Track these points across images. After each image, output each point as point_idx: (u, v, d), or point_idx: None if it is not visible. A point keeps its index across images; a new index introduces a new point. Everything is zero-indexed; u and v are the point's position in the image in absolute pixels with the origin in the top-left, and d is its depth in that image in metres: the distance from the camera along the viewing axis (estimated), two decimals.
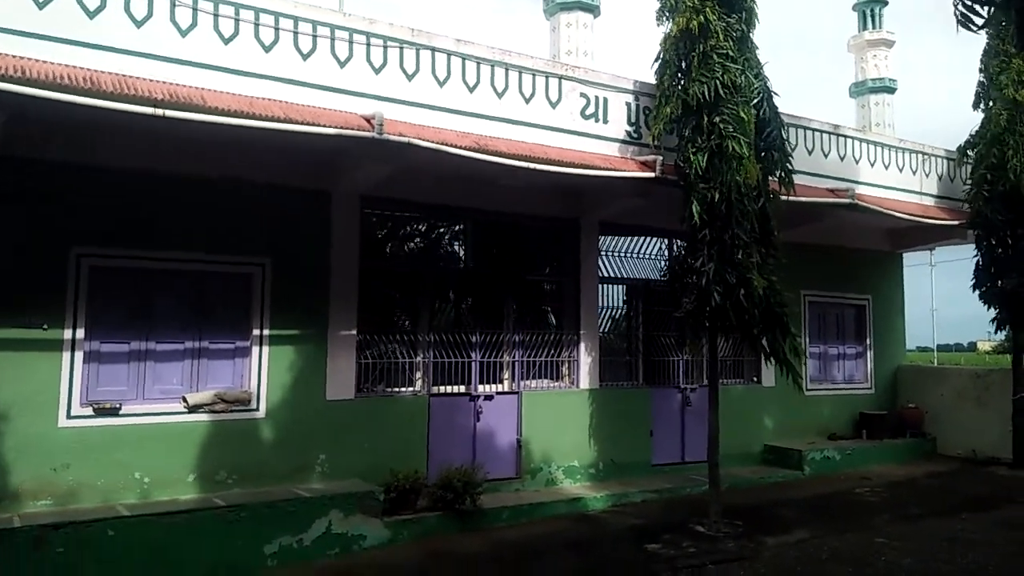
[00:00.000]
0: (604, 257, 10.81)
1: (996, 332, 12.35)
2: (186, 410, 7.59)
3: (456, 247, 10.02)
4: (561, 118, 8.93)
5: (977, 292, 12.34)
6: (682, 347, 10.92)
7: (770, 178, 8.73)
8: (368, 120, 7.03)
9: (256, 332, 7.96)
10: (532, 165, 7.94)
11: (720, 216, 8.07)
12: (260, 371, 7.96)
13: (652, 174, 8.85)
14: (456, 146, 7.49)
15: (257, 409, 7.92)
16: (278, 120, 6.54)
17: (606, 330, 10.87)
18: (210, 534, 6.80)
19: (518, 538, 8.04)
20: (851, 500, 10.03)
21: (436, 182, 8.90)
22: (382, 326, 9.02)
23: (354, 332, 8.52)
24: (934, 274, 17.16)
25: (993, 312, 12.21)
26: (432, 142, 7.30)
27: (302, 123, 6.64)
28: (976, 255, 12.34)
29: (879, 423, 13.06)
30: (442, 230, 10.03)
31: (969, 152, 12.40)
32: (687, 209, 8.24)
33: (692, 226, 8.24)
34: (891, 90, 14.76)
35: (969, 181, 12.31)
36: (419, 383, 9.12)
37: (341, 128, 6.83)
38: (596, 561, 7.29)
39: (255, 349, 7.96)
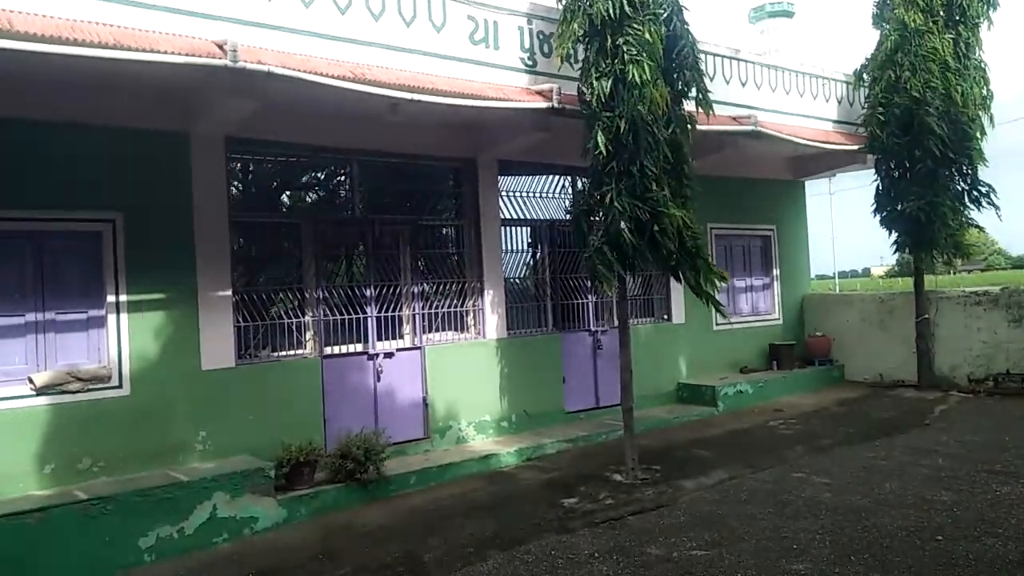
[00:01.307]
0: (506, 198, 10.14)
1: (895, 255, 12.42)
2: (34, 392, 6.56)
3: (344, 193, 9.11)
4: (447, 44, 8.10)
5: (877, 217, 12.34)
6: (591, 289, 10.46)
7: (684, 101, 8.17)
8: (220, 46, 6.05)
9: (111, 298, 6.96)
10: (414, 96, 7.13)
11: (628, 147, 7.49)
12: (120, 342, 6.98)
13: (550, 104, 8.19)
14: (326, 75, 6.60)
15: (120, 386, 6.96)
16: (108, 47, 5.49)
17: (511, 275, 10.28)
18: (71, 533, 5.92)
19: (425, 504, 7.46)
20: (766, 434, 9.90)
21: (315, 121, 8.00)
22: (263, 284, 8.14)
23: (229, 292, 7.61)
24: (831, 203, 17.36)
25: (894, 236, 12.24)
26: (297, 71, 6.40)
27: (138, 50, 5.61)
28: (875, 179, 12.31)
29: (788, 353, 13.07)
30: (327, 175, 9.11)
31: (865, 75, 12.27)
32: (591, 140, 7.63)
33: (597, 159, 7.63)
34: (789, 14, 14.47)
35: (866, 105, 12.20)
36: (310, 344, 8.31)
37: (187, 56, 5.84)
38: (508, 522, 6.79)
39: (112, 318, 6.96)
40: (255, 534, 6.78)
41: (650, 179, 7.39)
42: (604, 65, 7.60)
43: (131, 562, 6.14)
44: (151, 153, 7.22)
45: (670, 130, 7.78)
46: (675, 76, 8.06)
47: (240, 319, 7.76)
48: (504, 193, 10.09)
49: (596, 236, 7.74)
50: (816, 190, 16.53)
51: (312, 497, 7.21)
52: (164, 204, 7.29)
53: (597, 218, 7.80)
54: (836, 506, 6.72)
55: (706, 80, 8.30)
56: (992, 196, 11.88)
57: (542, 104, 8.24)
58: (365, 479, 7.47)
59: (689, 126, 8.17)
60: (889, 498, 6.87)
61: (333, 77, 6.67)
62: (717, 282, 7.89)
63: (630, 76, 7.35)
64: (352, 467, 7.43)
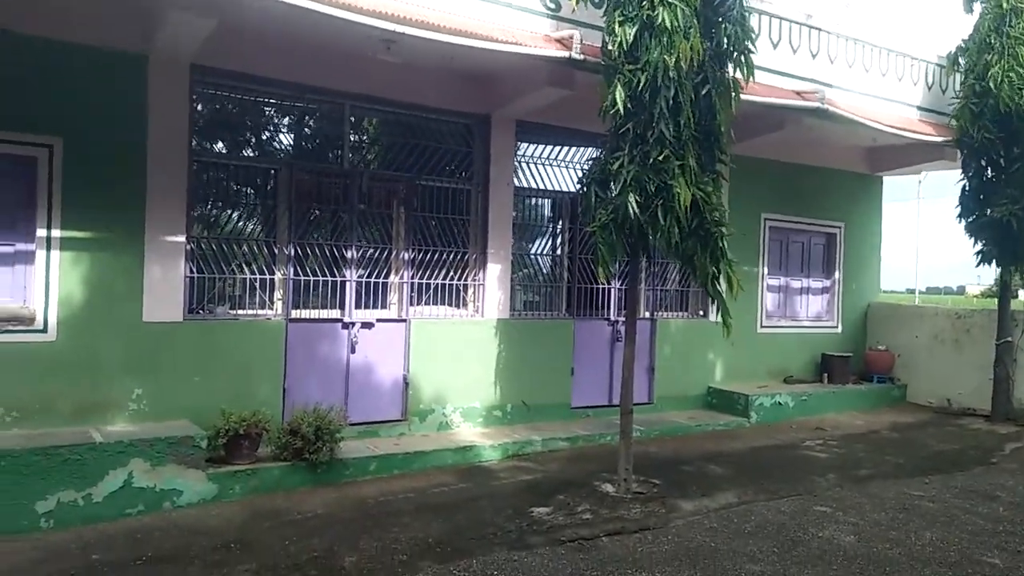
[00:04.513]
0: (523, 164, 9.08)
1: (978, 266, 10.78)
2: None
3: (331, 140, 8.15)
4: None
5: (963, 222, 10.75)
6: (616, 273, 9.32)
7: (729, 64, 6.94)
8: None
9: (42, 232, 6.24)
10: (401, 28, 6.17)
11: (645, 106, 6.36)
12: (48, 282, 6.27)
13: (567, 53, 7.10)
14: None
15: (44, 330, 6.26)
16: None
17: (522, 251, 9.22)
18: None
19: (377, 495, 6.56)
20: (797, 455, 8.60)
21: (300, 55, 7.19)
22: (225, 232, 7.34)
23: (182, 238, 6.82)
24: (927, 211, 15.63)
25: (979, 245, 10.62)
26: None
27: None
28: (962, 179, 10.70)
29: (843, 366, 11.60)
30: (313, 118, 8.15)
31: (961, 59, 10.62)
32: (608, 96, 6.50)
33: (614, 120, 6.52)
34: None
35: (959, 93, 10.58)
36: (277, 305, 7.48)
37: None
38: (461, 528, 5.82)
39: (41, 254, 6.25)
40: (176, 509, 6.03)
41: (666, 145, 6.22)
42: (630, 8, 6.45)
43: (23, 527, 5.44)
44: (102, 74, 6.46)
45: (703, 91, 6.59)
46: (714, 31, 6.81)
47: (194, 269, 6.98)
48: (521, 158, 9.04)
49: (605, 211, 6.64)
50: (906, 192, 14.81)
51: (250, 474, 6.40)
52: (114, 132, 6.53)
53: (608, 192, 6.70)
54: (857, 554, 5.49)
55: (751, 41, 6.93)
56: None
57: (559, 52, 7.17)
58: (315, 460, 6.61)
59: (733, 93, 6.93)
60: (926, 551, 5.59)
61: None
62: (734, 285, 6.67)
63: (659, 20, 6.20)
64: (300, 445, 6.58)
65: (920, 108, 11.06)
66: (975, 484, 7.51)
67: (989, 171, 10.41)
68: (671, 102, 6.22)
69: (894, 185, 13.22)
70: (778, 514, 6.38)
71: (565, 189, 9.38)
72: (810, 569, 5.20)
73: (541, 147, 9.24)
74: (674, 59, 6.19)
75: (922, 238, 15.30)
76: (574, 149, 9.47)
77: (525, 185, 9.08)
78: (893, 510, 6.58)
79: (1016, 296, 11.79)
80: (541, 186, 9.25)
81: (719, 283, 6.61)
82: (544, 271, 9.44)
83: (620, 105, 6.35)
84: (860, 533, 5.96)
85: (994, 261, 10.63)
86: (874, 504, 6.73)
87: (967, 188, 10.66)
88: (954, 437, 9.81)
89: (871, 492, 7.14)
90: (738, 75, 6.90)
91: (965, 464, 8.32)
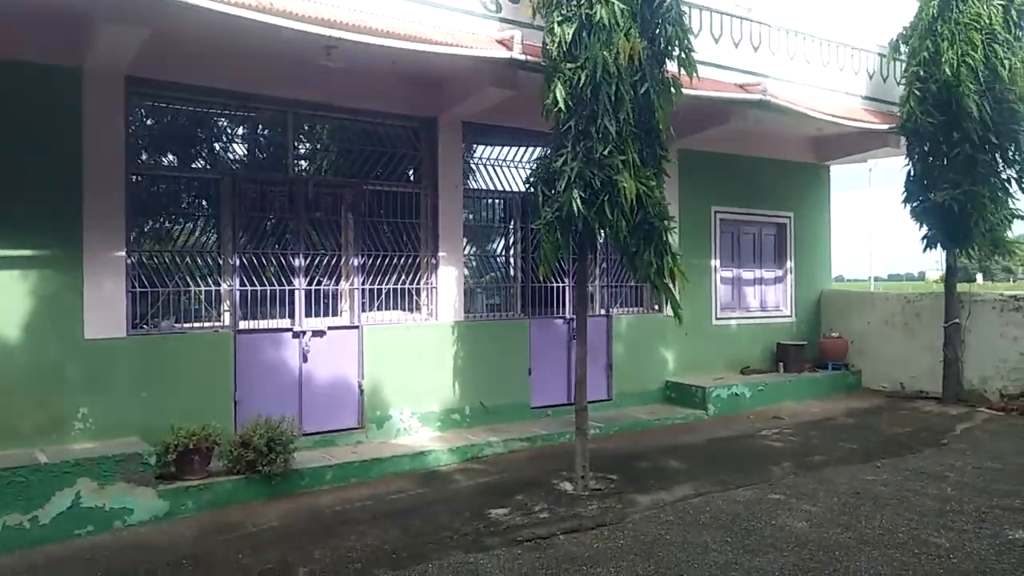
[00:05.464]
0: (472, 165, 9.08)
1: (924, 251, 11.00)
2: None
3: (275, 149, 8.05)
4: None
5: (908, 207, 10.98)
6: (568, 272, 9.37)
7: (667, 62, 7.00)
8: None
9: None
10: (336, 33, 6.12)
11: (587, 104, 6.40)
12: None
13: (509, 54, 7.11)
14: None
15: None
16: None
17: (474, 252, 9.22)
18: None
19: (333, 505, 6.50)
20: (753, 445, 8.70)
21: (241, 64, 7.10)
22: (168, 245, 7.22)
23: (123, 253, 6.71)
24: (889, 199, 15.87)
25: (924, 229, 10.86)
26: None
27: None
28: (907, 164, 10.92)
29: (798, 355, 11.77)
30: (256, 127, 8.08)
31: (903, 46, 10.85)
32: (549, 95, 6.54)
33: (557, 118, 6.56)
34: None
35: (903, 80, 10.81)
36: (224, 317, 7.38)
37: None
38: (417, 533, 5.80)
39: None
40: (127, 527, 5.93)
41: (610, 141, 6.27)
42: (568, 8, 6.51)
43: None
44: (34, 88, 6.34)
45: (642, 90, 6.63)
46: (654, 31, 6.85)
47: (136, 283, 6.86)
48: (470, 160, 9.04)
49: (550, 208, 6.67)
50: (860, 181, 15.04)
51: (202, 489, 6.31)
52: (46, 147, 6.39)
53: (554, 189, 6.72)
54: (808, 540, 5.57)
55: (689, 39, 7.01)
56: None
57: (501, 54, 7.19)
58: (269, 472, 6.54)
59: (673, 90, 6.97)
60: (875, 534, 5.69)
61: (228, 3, 5.68)
62: (677, 278, 6.75)
63: (597, 18, 6.25)
64: (253, 458, 6.51)
65: (864, 97, 11.28)
66: (925, 466, 7.66)
67: (931, 157, 10.62)
68: (613, 98, 6.27)
69: (850, 175, 13.49)
70: (733, 504, 6.45)
71: (515, 189, 9.40)
72: (761, 557, 5.27)
73: (490, 148, 9.27)
74: (614, 55, 6.25)
75: (884, 226, 15.57)
76: (523, 149, 9.49)
77: (475, 186, 9.09)
78: (845, 495, 6.68)
79: (974, 280, 12.03)
80: (491, 187, 9.26)
81: (664, 277, 6.65)
82: (498, 272, 9.44)
83: (561, 103, 6.41)
84: (812, 519, 6.04)
85: (939, 245, 10.88)
86: (827, 490, 6.83)
87: (911, 174, 10.89)
88: (907, 420, 10.00)
89: (824, 478, 7.25)
90: (682, 73, 6.95)
91: (917, 447, 8.48)
